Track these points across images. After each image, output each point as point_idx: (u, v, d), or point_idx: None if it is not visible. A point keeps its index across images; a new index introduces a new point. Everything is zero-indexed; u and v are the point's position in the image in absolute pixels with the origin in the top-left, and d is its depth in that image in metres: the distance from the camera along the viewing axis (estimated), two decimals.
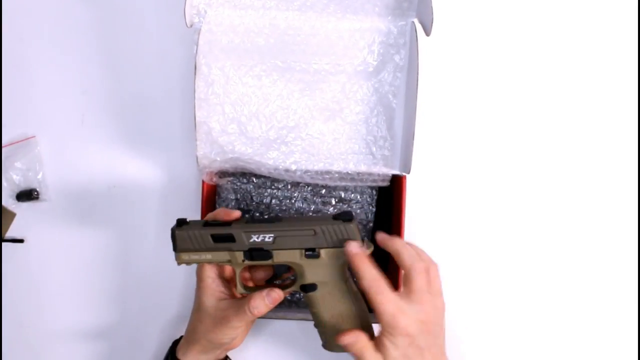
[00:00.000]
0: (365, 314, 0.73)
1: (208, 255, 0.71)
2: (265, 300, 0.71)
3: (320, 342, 0.76)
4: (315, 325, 0.75)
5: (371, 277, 0.68)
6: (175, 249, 0.72)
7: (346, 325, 0.72)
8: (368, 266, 0.68)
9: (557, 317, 0.90)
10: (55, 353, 0.90)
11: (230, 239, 0.71)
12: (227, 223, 0.72)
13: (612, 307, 0.90)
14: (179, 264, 0.72)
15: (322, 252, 0.71)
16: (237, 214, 0.73)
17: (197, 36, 0.80)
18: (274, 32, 0.83)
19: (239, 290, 0.73)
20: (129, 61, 0.92)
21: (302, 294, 0.75)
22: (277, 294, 0.72)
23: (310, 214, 0.85)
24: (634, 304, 0.89)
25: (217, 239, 0.71)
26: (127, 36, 0.92)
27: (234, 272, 0.75)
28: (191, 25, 0.80)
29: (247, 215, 0.78)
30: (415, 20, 0.82)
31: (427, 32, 0.78)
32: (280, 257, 0.71)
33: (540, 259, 0.90)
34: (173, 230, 0.71)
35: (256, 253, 0.71)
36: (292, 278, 0.75)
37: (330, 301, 0.72)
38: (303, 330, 0.89)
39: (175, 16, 0.83)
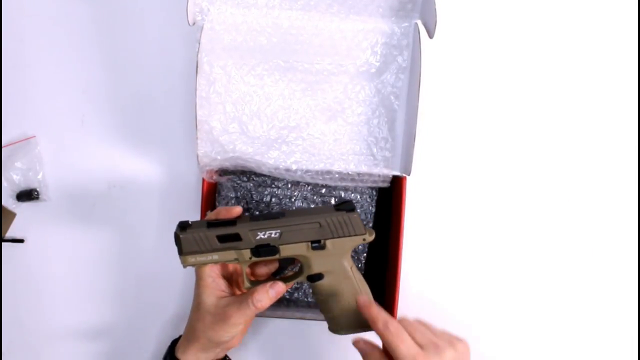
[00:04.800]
0: (369, 296, 0.75)
1: (215, 256, 0.70)
2: (269, 292, 0.71)
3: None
4: (322, 311, 0.76)
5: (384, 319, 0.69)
6: (180, 252, 0.70)
7: (352, 308, 0.74)
8: (379, 311, 0.70)
9: (557, 317, 0.90)
10: (55, 353, 0.90)
11: (236, 238, 0.70)
12: (232, 222, 0.71)
13: (612, 307, 0.90)
14: (185, 266, 0.71)
15: (328, 242, 0.71)
16: (238, 210, 0.73)
17: (199, 34, 0.80)
18: (276, 31, 0.83)
19: (246, 285, 0.73)
20: (129, 60, 0.92)
21: (306, 285, 0.75)
22: (280, 287, 0.72)
23: None
24: (634, 303, 0.90)
25: (223, 239, 0.70)
26: (128, 35, 0.92)
27: (239, 268, 0.75)
28: (193, 23, 0.80)
29: (247, 214, 0.78)
30: (419, 22, 0.82)
31: (431, 34, 0.78)
32: (287, 251, 0.71)
33: (540, 260, 0.90)
34: (177, 235, 0.69)
35: (263, 249, 0.71)
36: (297, 269, 0.75)
37: (337, 287, 0.73)
38: (302, 329, 0.89)
39: (176, 15, 0.83)
